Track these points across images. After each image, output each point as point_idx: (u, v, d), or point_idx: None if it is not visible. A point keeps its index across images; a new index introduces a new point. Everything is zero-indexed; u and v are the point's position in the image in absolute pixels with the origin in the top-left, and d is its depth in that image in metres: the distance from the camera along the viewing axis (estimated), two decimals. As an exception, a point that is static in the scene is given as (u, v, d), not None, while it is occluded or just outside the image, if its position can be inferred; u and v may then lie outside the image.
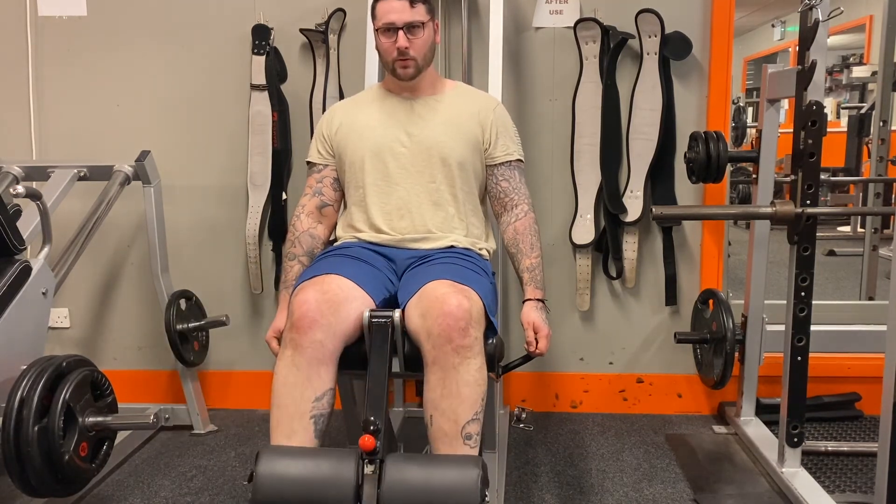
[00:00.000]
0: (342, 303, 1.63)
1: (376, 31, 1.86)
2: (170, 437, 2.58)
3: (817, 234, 2.05)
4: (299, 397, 1.58)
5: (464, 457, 1.54)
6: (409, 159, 1.89)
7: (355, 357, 1.65)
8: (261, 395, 2.42)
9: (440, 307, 1.57)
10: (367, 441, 1.42)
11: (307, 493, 1.44)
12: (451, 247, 1.86)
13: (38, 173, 2.41)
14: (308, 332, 1.59)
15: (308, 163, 2.01)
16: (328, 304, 1.61)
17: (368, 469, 1.44)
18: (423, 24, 1.84)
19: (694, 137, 2.33)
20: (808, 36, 1.97)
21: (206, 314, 2.61)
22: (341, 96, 2.58)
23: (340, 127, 1.95)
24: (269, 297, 2.80)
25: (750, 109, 8.50)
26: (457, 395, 1.56)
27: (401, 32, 1.82)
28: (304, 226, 1.95)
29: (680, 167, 2.55)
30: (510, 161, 1.94)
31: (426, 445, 1.64)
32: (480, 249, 1.92)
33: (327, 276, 1.68)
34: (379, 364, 1.60)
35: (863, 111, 5.88)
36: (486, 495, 1.43)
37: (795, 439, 2.13)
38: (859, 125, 5.68)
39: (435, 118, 1.91)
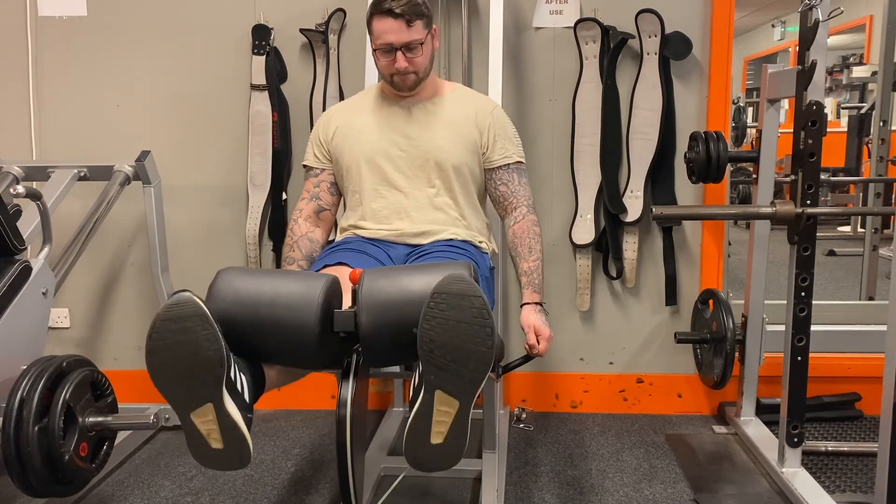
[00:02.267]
0: (349, 291, 1.65)
1: (374, 49, 1.83)
2: (170, 437, 2.58)
3: (817, 234, 2.05)
4: None
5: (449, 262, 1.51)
6: (407, 163, 1.89)
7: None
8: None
9: None
10: (356, 273, 1.40)
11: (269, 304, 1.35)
12: (450, 239, 1.86)
13: (38, 173, 2.41)
14: None
15: (305, 166, 2.01)
16: (342, 283, 1.63)
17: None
18: (421, 42, 1.80)
19: (694, 137, 2.32)
20: (808, 36, 1.97)
21: (206, 314, 2.61)
22: (341, 96, 2.58)
23: (337, 131, 1.94)
24: (269, 297, 2.79)
25: (750, 109, 8.49)
26: None
27: (399, 53, 1.79)
28: (303, 230, 1.94)
29: (680, 167, 2.55)
30: (508, 164, 1.94)
31: None
32: (480, 242, 1.92)
33: (339, 266, 1.71)
34: None
35: (863, 111, 5.88)
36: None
37: (795, 439, 2.13)
38: (859, 125, 5.68)
39: (432, 122, 1.91)
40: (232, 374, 1.31)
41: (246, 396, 1.35)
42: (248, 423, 1.32)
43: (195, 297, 1.24)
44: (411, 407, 1.31)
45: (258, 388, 1.43)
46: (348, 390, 1.34)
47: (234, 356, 1.34)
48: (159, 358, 1.24)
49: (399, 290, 1.35)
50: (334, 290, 1.40)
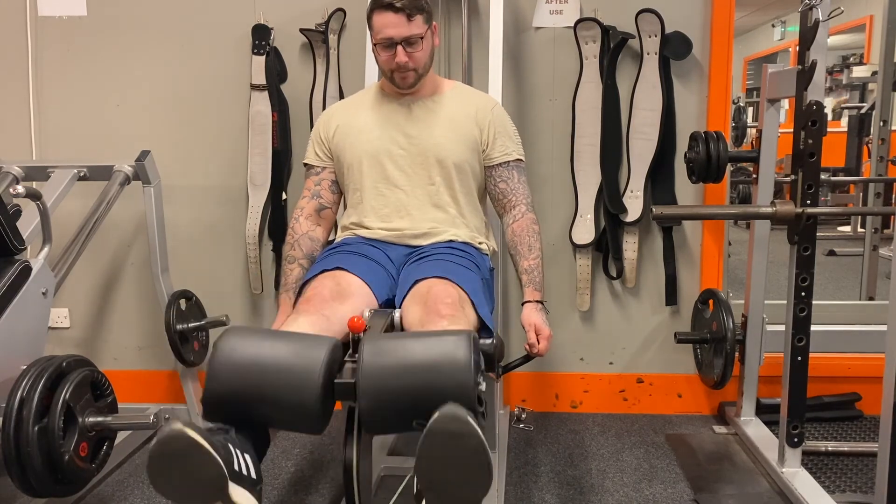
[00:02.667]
0: (350, 296, 1.66)
1: (374, 44, 1.83)
2: (170, 437, 2.58)
3: (817, 234, 2.05)
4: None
5: (451, 330, 1.47)
6: (407, 162, 1.89)
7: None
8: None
9: (427, 293, 1.61)
10: (356, 322, 1.38)
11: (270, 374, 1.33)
12: (451, 241, 1.86)
13: (38, 173, 2.41)
14: (318, 306, 1.61)
15: (305, 165, 2.01)
16: (340, 294, 1.65)
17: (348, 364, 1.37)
18: (421, 36, 1.80)
19: (694, 137, 2.32)
20: (808, 36, 1.97)
21: (206, 314, 2.61)
22: (341, 96, 2.58)
23: (338, 129, 1.94)
24: (268, 297, 2.80)
25: (750, 109, 8.49)
26: None
27: (399, 48, 1.79)
28: (304, 228, 1.94)
29: (680, 167, 2.55)
30: (508, 161, 1.94)
31: None
32: (480, 244, 1.92)
33: (338, 271, 1.71)
34: None
35: (863, 111, 5.88)
36: (479, 376, 1.31)
37: (795, 439, 2.13)
38: (859, 125, 5.68)
39: (433, 120, 1.91)
40: (235, 467, 1.29)
41: (252, 473, 1.33)
42: (259, 493, 1.32)
43: (187, 430, 1.19)
44: None
45: (262, 449, 1.43)
46: (353, 451, 1.35)
47: (232, 436, 1.32)
48: (160, 482, 1.22)
49: (398, 365, 1.31)
50: (335, 357, 1.37)
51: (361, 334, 1.41)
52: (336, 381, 1.34)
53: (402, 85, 1.86)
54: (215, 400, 1.34)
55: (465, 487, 1.23)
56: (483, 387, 1.31)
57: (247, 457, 1.33)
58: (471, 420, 1.19)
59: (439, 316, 1.54)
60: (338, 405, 1.39)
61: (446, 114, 1.92)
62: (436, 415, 1.19)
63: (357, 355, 1.34)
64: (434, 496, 1.25)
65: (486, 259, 1.90)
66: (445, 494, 1.24)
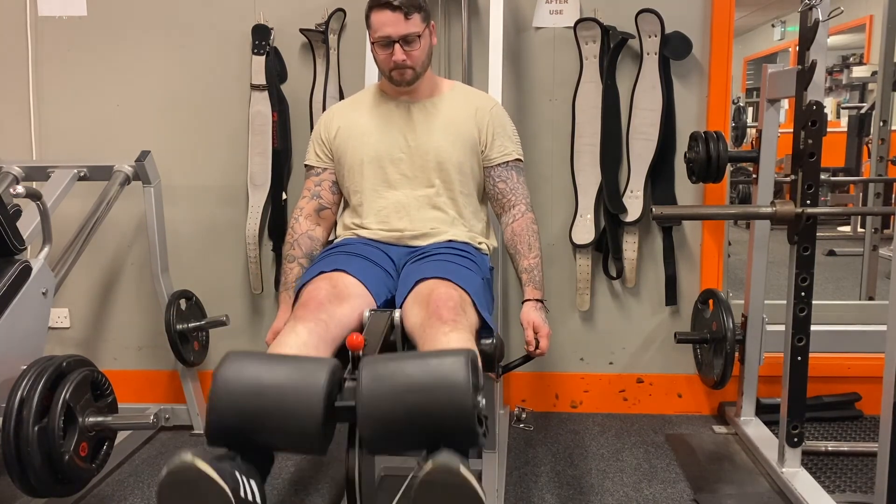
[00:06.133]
0: (347, 298, 1.65)
1: (372, 42, 1.84)
2: (170, 437, 2.58)
3: (817, 234, 2.05)
4: (294, 350, 1.54)
5: (450, 350, 1.45)
6: (408, 164, 1.89)
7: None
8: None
9: (429, 295, 1.60)
10: (354, 339, 1.38)
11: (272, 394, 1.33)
12: (450, 241, 1.86)
13: (38, 173, 2.41)
14: (315, 311, 1.59)
15: (306, 166, 2.01)
16: (337, 297, 1.64)
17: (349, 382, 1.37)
18: (419, 35, 1.81)
19: (694, 137, 2.32)
20: (808, 36, 1.97)
21: (206, 314, 2.61)
22: (341, 96, 2.58)
23: (339, 131, 1.94)
24: (269, 297, 2.80)
25: (750, 109, 8.49)
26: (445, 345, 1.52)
27: (397, 46, 1.79)
28: (303, 228, 1.95)
29: (680, 167, 2.55)
30: (507, 161, 1.94)
31: None
32: (480, 244, 1.92)
33: (335, 273, 1.70)
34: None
35: (863, 111, 5.88)
36: (479, 392, 1.30)
37: (795, 439, 2.13)
38: (859, 125, 5.68)
39: (432, 122, 1.91)
40: (241, 493, 1.29)
41: (258, 499, 1.33)
42: None
43: (196, 462, 1.22)
44: None
45: (265, 470, 1.43)
46: (356, 465, 1.35)
47: (238, 463, 1.33)
48: None
49: (397, 388, 1.30)
50: (335, 379, 1.36)
51: (360, 352, 1.41)
52: (336, 404, 1.34)
53: (401, 82, 1.86)
54: (218, 428, 1.34)
55: None
56: (483, 404, 1.30)
57: (252, 483, 1.33)
58: (464, 472, 1.18)
59: (441, 321, 1.54)
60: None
61: (445, 116, 1.92)
62: (429, 465, 1.18)
63: (357, 373, 1.33)
64: None
65: (485, 259, 1.90)
66: None
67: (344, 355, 1.59)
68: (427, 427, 1.25)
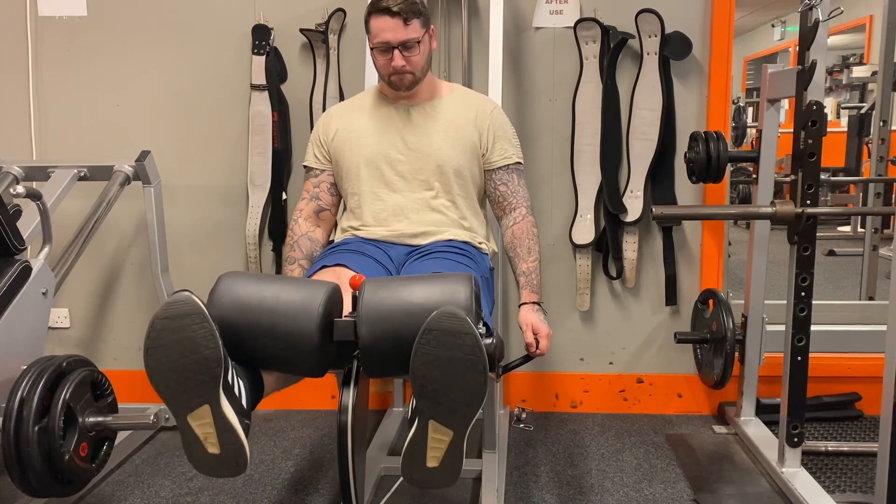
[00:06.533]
0: (349, 291, 1.64)
1: (371, 48, 1.84)
2: (170, 437, 2.58)
3: (817, 234, 2.05)
4: None
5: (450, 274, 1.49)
6: (407, 167, 1.89)
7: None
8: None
9: None
10: (356, 279, 1.39)
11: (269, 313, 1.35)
12: (450, 240, 1.86)
13: (38, 173, 2.41)
14: None
15: (305, 167, 2.01)
16: (342, 287, 1.63)
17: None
18: (418, 41, 1.80)
19: (694, 137, 2.32)
20: (808, 36, 1.97)
21: (206, 314, 2.61)
22: (341, 96, 2.58)
23: (337, 133, 1.94)
24: (269, 297, 2.79)
25: (750, 109, 8.49)
26: None
27: (396, 52, 1.79)
28: (303, 229, 1.95)
29: (680, 167, 2.55)
30: (508, 164, 1.94)
31: None
32: (480, 243, 1.92)
33: (338, 268, 1.71)
34: None
35: (863, 111, 5.87)
36: (480, 317, 1.33)
37: (795, 439, 2.13)
38: (859, 125, 5.68)
39: (432, 125, 1.91)
40: (229, 378, 1.30)
41: (243, 402, 1.34)
42: (246, 428, 1.32)
43: (194, 296, 1.24)
44: (409, 427, 1.31)
45: (256, 394, 1.43)
46: (349, 397, 1.33)
47: (232, 361, 1.33)
48: (157, 357, 1.24)
49: (399, 301, 1.34)
50: (335, 298, 1.39)
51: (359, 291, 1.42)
52: (335, 320, 1.36)
53: (400, 86, 1.86)
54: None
55: (461, 392, 1.23)
56: (482, 325, 1.33)
57: (241, 382, 1.34)
58: (467, 318, 1.21)
59: None
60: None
61: (445, 119, 1.92)
62: (433, 313, 1.21)
63: (358, 301, 1.35)
64: (428, 403, 1.25)
65: (485, 258, 1.90)
66: (440, 399, 1.24)
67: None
68: None
